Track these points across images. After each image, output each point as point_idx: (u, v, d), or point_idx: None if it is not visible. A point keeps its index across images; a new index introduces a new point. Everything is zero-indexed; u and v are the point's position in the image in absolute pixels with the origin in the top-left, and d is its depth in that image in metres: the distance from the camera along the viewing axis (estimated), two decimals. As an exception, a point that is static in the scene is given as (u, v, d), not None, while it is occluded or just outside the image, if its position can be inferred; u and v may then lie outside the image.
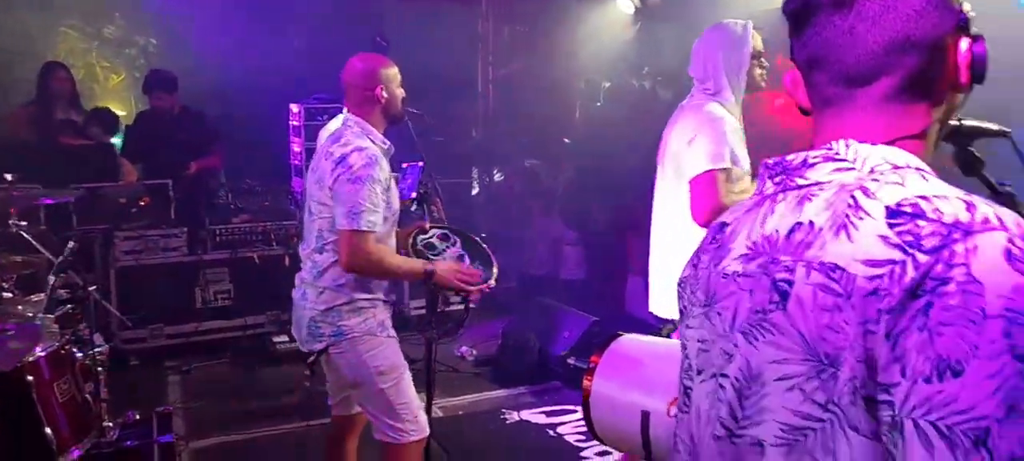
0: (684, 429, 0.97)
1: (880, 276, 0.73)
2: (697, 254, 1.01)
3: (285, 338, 5.06)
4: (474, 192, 7.36)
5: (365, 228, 2.44)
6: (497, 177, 7.46)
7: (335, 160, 2.49)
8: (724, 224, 0.98)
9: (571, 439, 4.07)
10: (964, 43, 0.87)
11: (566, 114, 7.20)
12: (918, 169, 0.84)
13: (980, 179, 1.14)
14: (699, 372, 0.95)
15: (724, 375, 0.89)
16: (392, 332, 2.66)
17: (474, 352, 5.30)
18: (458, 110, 6.92)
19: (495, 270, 2.84)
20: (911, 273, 0.72)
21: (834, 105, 0.92)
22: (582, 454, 3.88)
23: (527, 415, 4.39)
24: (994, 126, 1.11)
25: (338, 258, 2.51)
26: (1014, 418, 0.66)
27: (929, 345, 0.69)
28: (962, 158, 1.11)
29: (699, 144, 2.59)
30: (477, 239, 2.96)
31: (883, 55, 0.87)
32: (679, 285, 1.04)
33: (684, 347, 1.00)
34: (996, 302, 0.68)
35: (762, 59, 2.77)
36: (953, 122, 0.98)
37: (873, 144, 0.87)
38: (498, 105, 7.69)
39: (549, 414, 4.38)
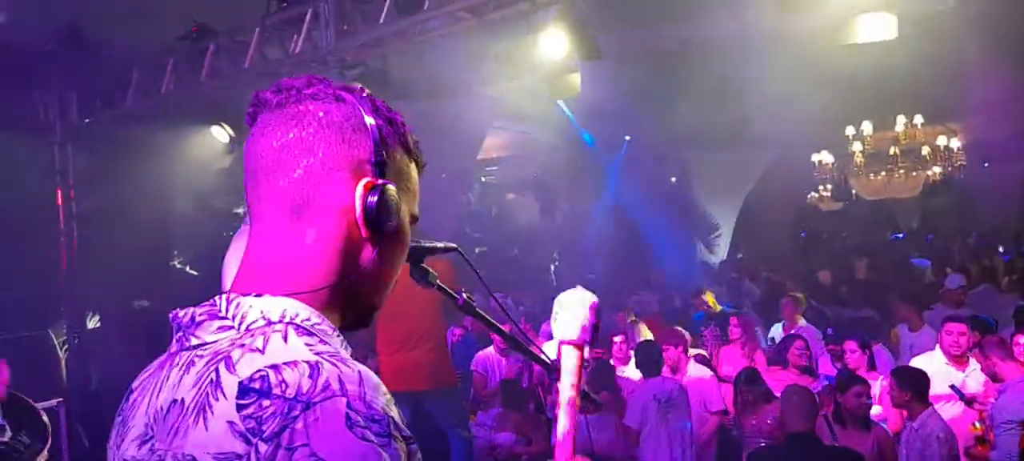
0: None
1: None
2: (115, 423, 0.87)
3: None
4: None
5: None
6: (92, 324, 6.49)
7: None
8: (131, 390, 0.86)
9: None
10: (359, 192, 0.83)
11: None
12: (296, 324, 0.79)
13: (439, 289, 1.21)
14: None
15: None
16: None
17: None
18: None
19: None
20: None
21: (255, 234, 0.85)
22: None
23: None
24: (441, 244, 1.19)
25: None
26: None
27: None
28: (417, 275, 1.17)
29: None
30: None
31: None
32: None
33: None
34: None
35: None
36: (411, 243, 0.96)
37: (272, 294, 0.80)
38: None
39: None
